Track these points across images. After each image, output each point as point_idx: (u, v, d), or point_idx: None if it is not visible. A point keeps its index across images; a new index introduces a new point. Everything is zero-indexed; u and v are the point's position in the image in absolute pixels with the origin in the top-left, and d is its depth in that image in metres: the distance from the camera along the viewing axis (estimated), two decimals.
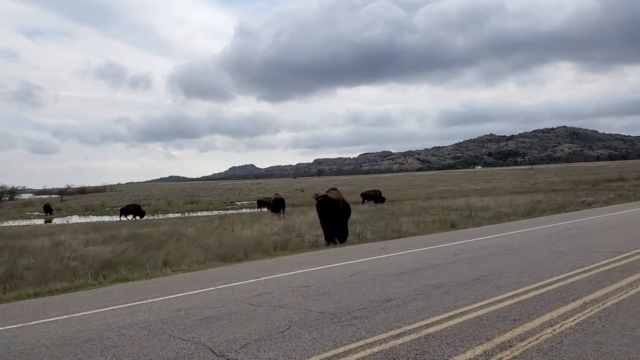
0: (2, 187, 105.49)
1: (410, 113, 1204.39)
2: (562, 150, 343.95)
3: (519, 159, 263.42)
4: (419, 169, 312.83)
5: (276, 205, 28.55)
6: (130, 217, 43.00)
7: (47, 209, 55.08)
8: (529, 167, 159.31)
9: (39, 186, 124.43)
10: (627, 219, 17.59)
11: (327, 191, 14.20)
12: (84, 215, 53.60)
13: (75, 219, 47.22)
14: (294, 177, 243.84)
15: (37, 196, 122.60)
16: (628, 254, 9.45)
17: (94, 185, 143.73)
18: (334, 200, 13.87)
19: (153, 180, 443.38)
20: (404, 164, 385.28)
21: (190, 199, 68.66)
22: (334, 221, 13.73)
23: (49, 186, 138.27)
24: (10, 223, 42.61)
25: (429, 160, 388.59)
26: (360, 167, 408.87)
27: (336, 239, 13.62)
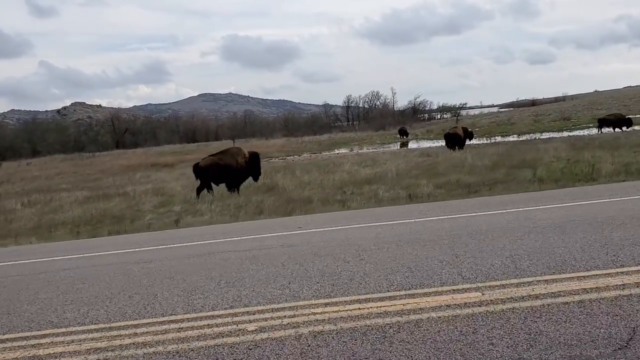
0: (442, 106, 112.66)
1: None
2: None
3: None
4: None
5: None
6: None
7: (403, 132, 58.33)
8: None
9: (538, 96, 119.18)
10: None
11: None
12: (421, 140, 53.04)
13: (411, 145, 48.17)
14: None
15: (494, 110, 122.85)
16: None
17: (551, 97, 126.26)
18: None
19: None
20: None
21: (562, 115, 58.03)
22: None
23: (545, 96, 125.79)
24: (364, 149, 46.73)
25: None
26: None
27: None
